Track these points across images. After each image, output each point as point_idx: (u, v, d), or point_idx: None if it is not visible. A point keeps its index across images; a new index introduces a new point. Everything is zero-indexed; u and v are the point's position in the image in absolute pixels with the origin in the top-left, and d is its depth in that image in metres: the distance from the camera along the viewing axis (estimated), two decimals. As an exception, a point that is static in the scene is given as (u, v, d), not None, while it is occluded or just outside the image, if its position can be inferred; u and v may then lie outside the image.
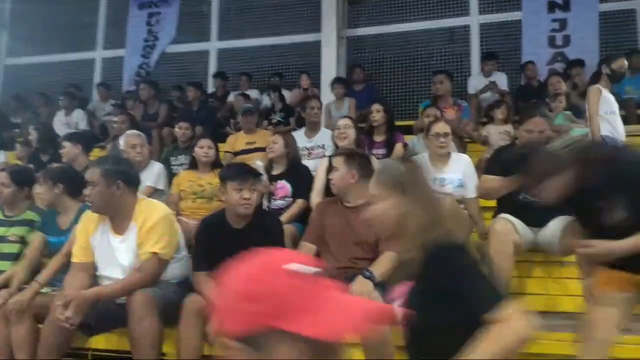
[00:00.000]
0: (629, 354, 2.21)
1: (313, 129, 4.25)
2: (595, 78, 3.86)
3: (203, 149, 3.63)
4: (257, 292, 0.74)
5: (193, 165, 3.71)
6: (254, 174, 2.53)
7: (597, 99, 3.69)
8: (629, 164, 1.87)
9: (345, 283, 2.29)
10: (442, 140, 3.19)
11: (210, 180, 3.52)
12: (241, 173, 2.50)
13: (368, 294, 2.19)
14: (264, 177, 3.28)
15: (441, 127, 3.24)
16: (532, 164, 1.97)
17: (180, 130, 4.43)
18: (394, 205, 1.43)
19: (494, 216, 2.93)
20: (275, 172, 3.43)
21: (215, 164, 3.65)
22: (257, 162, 3.34)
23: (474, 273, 1.30)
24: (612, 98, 3.83)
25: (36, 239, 2.83)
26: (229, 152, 4.42)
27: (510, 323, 1.21)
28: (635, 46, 5.97)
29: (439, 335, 1.31)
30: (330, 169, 2.86)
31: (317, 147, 4.07)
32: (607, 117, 3.72)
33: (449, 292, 1.29)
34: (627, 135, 4.57)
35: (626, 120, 4.87)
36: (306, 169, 3.48)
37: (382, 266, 2.35)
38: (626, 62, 3.93)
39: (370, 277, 2.27)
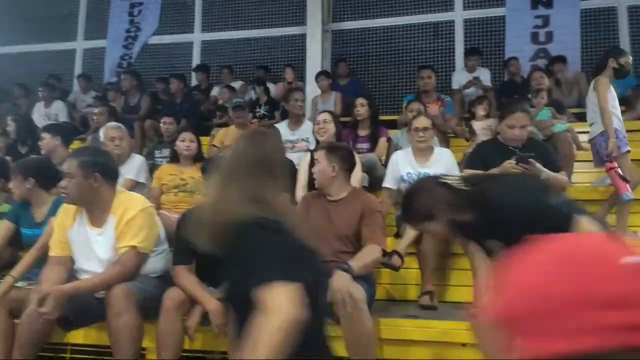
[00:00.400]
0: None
1: (296, 121, 4.25)
2: (600, 70, 3.63)
3: (185, 142, 3.60)
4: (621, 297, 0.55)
5: (174, 158, 3.68)
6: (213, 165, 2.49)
7: (607, 91, 3.47)
8: (500, 211, 1.73)
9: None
10: (421, 134, 3.21)
11: (192, 174, 3.50)
12: (204, 166, 2.52)
13: (346, 287, 2.18)
14: None
15: (421, 122, 3.26)
16: (408, 206, 1.90)
17: (165, 125, 4.41)
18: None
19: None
20: None
21: (197, 158, 3.62)
22: None
23: (268, 249, 1.27)
24: (614, 91, 3.63)
25: (2, 225, 2.77)
26: (215, 146, 4.38)
27: (270, 315, 1.15)
28: (616, 43, 6.06)
29: (241, 309, 1.30)
30: (313, 162, 2.86)
31: (301, 140, 4.08)
32: (614, 111, 3.54)
33: (240, 264, 1.30)
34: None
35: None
36: (290, 163, 3.47)
37: (361, 259, 2.35)
38: (631, 59, 3.79)
39: (347, 270, 2.26)
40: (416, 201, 1.85)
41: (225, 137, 4.44)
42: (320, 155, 2.66)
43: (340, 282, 2.20)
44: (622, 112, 3.80)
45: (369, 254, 2.42)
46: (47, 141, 3.77)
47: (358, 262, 2.33)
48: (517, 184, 1.92)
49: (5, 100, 6.96)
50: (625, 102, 4.82)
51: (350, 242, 2.52)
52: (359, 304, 2.16)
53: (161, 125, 4.47)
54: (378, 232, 2.50)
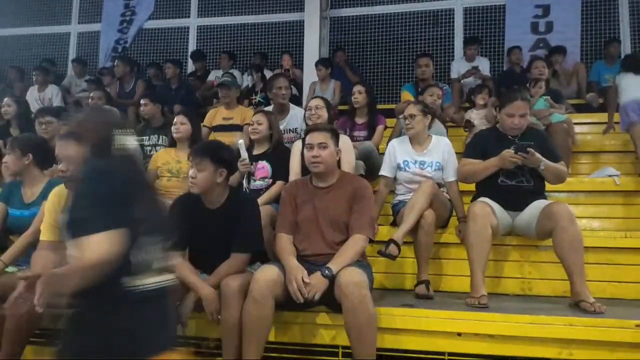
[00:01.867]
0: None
1: (281, 110, 3.88)
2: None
3: (175, 125, 3.54)
4: None
5: (172, 143, 3.61)
6: (201, 151, 2.44)
7: None
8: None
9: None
10: (407, 122, 3.18)
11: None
12: (191, 151, 2.47)
13: (321, 291, 2.20)
14: (245, 157, 3.20)
15: (408, 109, 3.22)
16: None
17: (140, 107, 4.31)
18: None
19: (473, 200, 2.94)
20: (256, 152, 3.35)
21: (194, 141, 3.50)
22: (239, 141, 3.24)
23: (90, 200, 1.34)
24: None
25: None
26: (205, 126, 4.29)
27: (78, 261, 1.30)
28: (616, 34, 6.02)
29: None
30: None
31: (289, 131, 3.87)
32: None
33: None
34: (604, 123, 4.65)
35: (603, 108, 4.94)
36: (287, 150, 3.40)
37: (342, 257, 2.30)
38: None
39: (327, 276, 2.23)
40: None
41: (214, 117, 4.34)
42: (325, 137, 2.50)
43: (317, 287, 2.20)
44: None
45: (351, 248, 2.35)
46: (55, 125, 3.70)
47: (338, 263, 2.27)
48: None
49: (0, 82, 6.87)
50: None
51: (341, 229, 2.44)
52: (362, 290, 2.14)
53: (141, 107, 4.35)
54: (365, 219, 2.41)
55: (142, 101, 4.32)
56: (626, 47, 5.92)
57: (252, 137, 3.35)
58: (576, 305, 2.48)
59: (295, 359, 2.49)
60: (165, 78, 6.30)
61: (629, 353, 2.21)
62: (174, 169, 3.43)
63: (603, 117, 4.78)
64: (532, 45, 6.20)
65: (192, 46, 7.23)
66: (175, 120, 3.58)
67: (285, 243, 2.43)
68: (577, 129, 4.62)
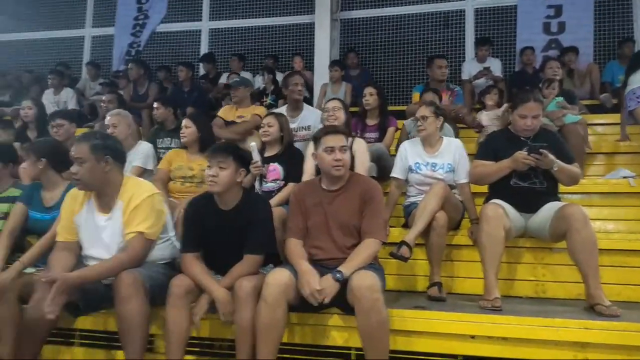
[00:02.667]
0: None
1: (295, 107, 3.96)
2: None
3: (182, 129, 3.53)
4: None
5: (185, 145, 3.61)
6: (224, 150, 2.44)
7: None
8: None
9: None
10: (419, 123, 3.17)
11: (201, 162, 3.45)
12: (211, 150, 2.47)
13: (332, 294, 2.20)
14: (258, 159, 3.22)
15: (420, 111, 3.22)
16: None
17: (153, 110, 4.33)
18: None
19: (486, 201, 2.92)
20: (267, 154, 3.37)
21: (204, 145, 3.45)
22: (252, 144, 3.25)
23: None
24: None
25: (16, 209, 2.76)
26: (221, 117, 4.30)
27: None
28: (630, 34, 5.95)
29: None
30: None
31: (302, 129, 3.90)
32: None
33: None
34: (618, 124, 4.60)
35: (617, 109, 4.89)
36: (299, 152, 3.42)
37: (354, 261, 2.28)
38: None
39: (338, 280, 2.22)
40: None
41: (229, 113, 4.35)
42: (343, 141, 2.45)
43: (328, 290, 2.19)
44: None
45: (363, 252, 2.32)
46: (67, 127, 3.77)
47: (350, 267, 2.25)
48: None
49: (15, 87, 6.99)
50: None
51: (358, 233, 2.41)
52: (375, 294, 2.14)
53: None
54: (377, 222, 2.39)
55: (154, 104, 4.35)
56: (641, 47, 5.87)
57: (263, 139, 3.37)
58: (591, 308, 2.46)
59: (307, 361, 2.50)
60: (177, 81, 6.36)
61: (646, 357, 2.18)
62: (187, 175, 3.43)
63: (617, 117, 4.73)
64: (544, 46, 6.16)
65: (204, 49, 7.30)
66: (182, 123, 3.58)
67: (295, 246, 2.42)
68: (591, 129, 4.58)
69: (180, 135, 3.55)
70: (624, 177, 3.74)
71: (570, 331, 2.24)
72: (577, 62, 5.62)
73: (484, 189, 3.08)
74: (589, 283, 2.51)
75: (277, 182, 3.26)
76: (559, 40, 6.14)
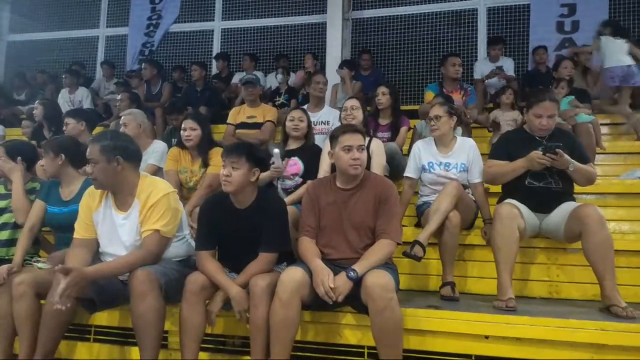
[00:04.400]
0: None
1: (317, 104, 4.30)
2: None
3: (185, 131, 3.42)
4: None
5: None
6: (237, 150, 2.44)
7: None
8: None
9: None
10: (432, 123, 3.16)
11: (195, 168, 3.45)
12: (225, 150, 2.48)
13: (345, 292, 2.20)
14: (280, 165, 3.15)
15: (433, 110, 3.20)
16: None
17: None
18: None
19: (499, 201, 2.91)
20: (289, 147, 3.37)
21: (202, 149, 3.40)
22: (275, 150, 3.16)
23: None
24: None
25: (36, 206, 2.80)
26: (230, 124, 4.37)
27: None
28: (646, 33, 5.88)
29: None
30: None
31: (321, 123, 4.08)
32: None
33: None
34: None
35: (633, 107, 4.85)
36: (319, 148, 3.41)
37: (368, 261, 2.28)
38: None
39: (352, 279, 2.22)
40: None
41: (238, 115, 4.43)
42: (361, 140, 2.44)
43: (342, 288, 2.19)
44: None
45: (378, 252, 2.32)
46: (73, 126, 3.82)
47: (364, 266, 2.25)
48: None
49: (30, 86, 7.08)
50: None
51: (371, 234, 2.41)
52: (389, 293, 2.14)
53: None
54: (393, 223, 2.39)
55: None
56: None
57: (293, 133, 3.37)
58: (607, 309, 2.44)
59: (320, 359, 2.51)
60: (190, 80, 6.40)
61: (662, 359, 2.16)
62: (186, 181, 3.46)
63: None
64: (557, 45, 6.11)
65: (216, 49, 7.34)
66: (184, 125, 3.40)
67: (308, 245, 2.42)
68: (604, 130, 4.53)
69: (184, 137, 3.40)
70: (638, 177, 3.69)
71: (586, 332, 2.22)
72: (590, 61, 5.56)
73: (498, 188, 3.06)
74: (604, 284, 2.48)
75: (296, 178, 3.27)
76: (573, 39, 6.08)
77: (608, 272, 2.48)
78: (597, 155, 4.19)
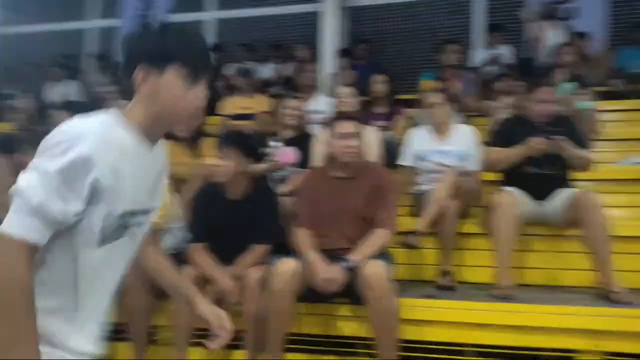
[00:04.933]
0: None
1: (312, 93, 4.25)
2: None
3: None
4: None
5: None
6: (228, 140, 2.41)
7: None
8: None
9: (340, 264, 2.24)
10: (429, 110, 3.15)
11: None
12: (217, 140, 2.47)
13: (340, 282, 2.19)
14: (278, 159, 3.13)
15: (429, 97, 3.19)
16: None
17: None
18: None
19: (499, 188, 2.88)
20: (283, 137, 3.33)
21: (194, 139, 3.26)
22: (278, 144, 3.16)
23: None
24: None
25: None
26: (224, 115, 4.32)
27: None
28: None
29: None
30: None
31: (315, 112, 3.98)
32: None
33: None
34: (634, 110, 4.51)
35: (634, 95, 4.80)
36: (314, 138, 3.37)
37: (366, 249, 2.27)
38: None
39: (348, 268, 2.21)
40: None
41: (232, 107, 4.39)
42: (357, 127, 2.44)
43: (336, 276, 2.18)
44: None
45: (374, 241, 2.31)
46: (62, 119, 3.75)
47: (360, 256, 2.24)
48: None
49: (19, 79, 6.99)
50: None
51: (367, 224, 2.38)
52: (386, 282, 2.12)
53: None
54: (389, 212, 2.37)
55: None
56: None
57: (289, 122, 3.34)
58: (604, 295, 2.42)
59: (315, 350, 2.48)
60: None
61: (661, 345, 2.14)
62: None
63: (629, 104, 4.64)
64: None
65: (209, 39, 7.25)
66: None
67: (304, 236, 2.40)
68: (604, 116, 4.49)
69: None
70: (637, 164, 3.67)
71: (584, 319, 2.21)
72: (589, 47, 5.50)
73: (497, 176, 3.03)
74: (601, 270, 2.47)
75: (291, 168, 3.22)
76: (572, 25, 6.01)
77: (605, 258, 2.47)
78: (594, 142, 4.16)
